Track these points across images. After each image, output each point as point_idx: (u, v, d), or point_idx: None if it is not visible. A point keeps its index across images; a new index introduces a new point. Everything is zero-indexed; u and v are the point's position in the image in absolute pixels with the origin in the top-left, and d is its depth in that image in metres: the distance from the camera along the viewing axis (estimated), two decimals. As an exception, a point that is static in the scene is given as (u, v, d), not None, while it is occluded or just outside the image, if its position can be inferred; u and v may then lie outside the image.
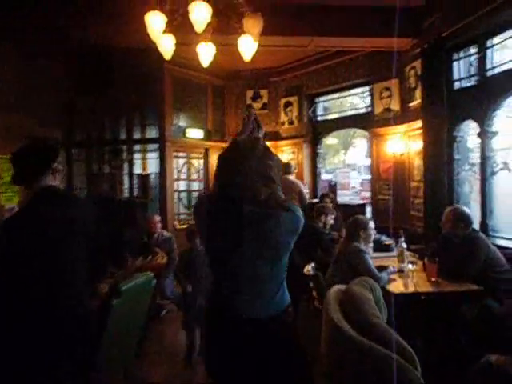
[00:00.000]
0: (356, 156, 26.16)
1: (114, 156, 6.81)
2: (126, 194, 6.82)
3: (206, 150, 7.43)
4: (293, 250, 3.70)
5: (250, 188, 1.41)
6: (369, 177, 7.54)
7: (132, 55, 6.08)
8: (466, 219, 3.19)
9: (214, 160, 7.57)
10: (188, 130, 7.01)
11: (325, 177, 9.07)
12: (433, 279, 3.03)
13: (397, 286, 2.96)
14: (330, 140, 12.00)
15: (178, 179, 6.97)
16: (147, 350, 3.51)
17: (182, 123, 7.01)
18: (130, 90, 6.48)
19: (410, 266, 3.07)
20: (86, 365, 2.24)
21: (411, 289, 2.89)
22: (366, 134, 6.76)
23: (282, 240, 1.44)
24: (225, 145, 7.69)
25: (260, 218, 1.40)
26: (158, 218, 4.80)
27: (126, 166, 6.80)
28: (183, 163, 7.13)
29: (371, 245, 3.52)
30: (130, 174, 6.78)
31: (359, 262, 3.07)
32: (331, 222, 4.35)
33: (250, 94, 7.71)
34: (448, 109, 4.62)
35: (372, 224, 3.30)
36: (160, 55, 5.52)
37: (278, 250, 1.43)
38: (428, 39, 4.85)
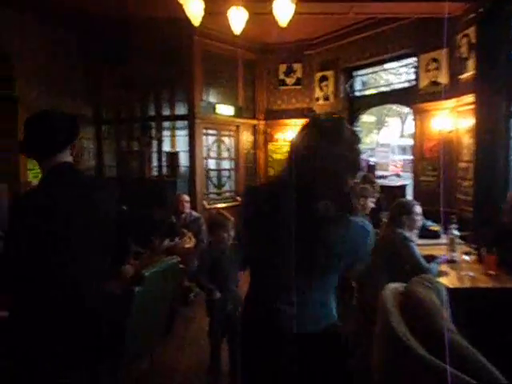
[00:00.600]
0: (390, 135, 25.22)
1: (143, 133, 6.64)
2: (154, 172, 6.68)
3: (237, 128, 7.16)
4: None
5: (333, 181, 1.16)
6: (408, 157, 7.07)
7: (160, 27, 5.82)
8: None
9: (244, 138, 7.30)
10: (218, 107, 6.74)
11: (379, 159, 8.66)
12: (491, 272, 2.68)
13: (450, 280, 2.63)
14: (366, 117, 11.44)
15: (208, 157, 6.75)
16: (174, 334, 3.36)
17: (212, 99, 6.74)
18: (158, 65, 6.23)
19: (465, 257, 2.73)
20: (112, 352, 2.10)
21: (468, 283, 2.56)
22: (401, 111, 6.28)
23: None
24: (256, 122, 7.39)
25: (335, 221, 1.16)
26: (186, 197, 4.60)
27: (155, 143, 6.63)
28: (213, 141, 6.89)
29: (416, 231, 3.18)
30: (159, 152, 6.60)
31: (404, 251, 2.75)
32: (371, 205, 4.01)
33: (282, 68, 7.32)
34: (505, 81, 4.13)
35: (418, 208, 2.94)
36: (189, 27, 5.23)
37: (340, 260, 1.20)
38: (484, 2, 4.33)
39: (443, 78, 5.22)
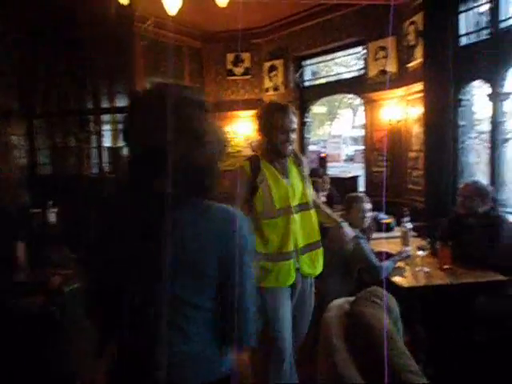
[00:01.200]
0: (342, 127, 25.60)
1: (80, 128, 6.12)
2: (95, 169, 6.18)
3: (184, 120, 6.78)
4: None
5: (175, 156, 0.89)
6: (360, 147, 7.02)
7: (96, 12, 5.33)
8: (485, 194, 2.71)
9: (192, 131, 6.93)
10: (162, 98, 6.33)
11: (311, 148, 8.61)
12: (446, 266, 2.56)
13: (405, 278, 2.48)
14: (318, 108, 11.38)
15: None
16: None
17: (156, 90, 6.31)
18: (96, 52, 5.73)
19: (419, 252, 2.59)
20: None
21: (423, 280, 2.42)
22: (353, 103, 6.18)
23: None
24: (204, 114, 7.03)
25: (177, 204, 0.92)
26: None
27: (94, 138, 6.13)
28: (158, 135, 6.48)
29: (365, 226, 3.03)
30: (99, 148, 6.11)
31: (355, 251, 2.58)
32: (322, 199, 3.83)
33: (230, 57, 7.01)
34: (453, 68, 4.07)
35: (367, 204, 2.78)
36: (129, 12, 4.81)
37: (206, 265, 0.95)
38: (430, -12, 4.25)
39: (392, 67, 5.14)
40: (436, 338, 2.79)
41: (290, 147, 2.11)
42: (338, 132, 24.86)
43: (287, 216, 2.09)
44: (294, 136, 2.13)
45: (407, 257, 2.77)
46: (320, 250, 2.23)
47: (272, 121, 2.08)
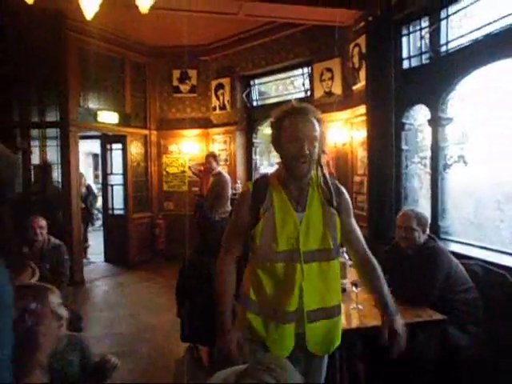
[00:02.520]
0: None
1: (6, 142, 5.55)
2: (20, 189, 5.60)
3: (124, 138, 6.36)
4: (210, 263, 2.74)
5: None
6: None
7: (25, 17, 4.90)
8: (425, 224, 2.52)
9: (133, 149, 6.52)
10: (100, 113, 5.90)
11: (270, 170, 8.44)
12: (382, 304, 2.31)
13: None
14: (267, 129, 11.24)
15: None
16: None
17: (93, 105, 5.89)
18: (25, 61, 5.25)
19: (354, 288, 2.33)
20: None
21: (356, 322, 2.15)
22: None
23: None
24: (147, 132, 6.67)
25: None
26: (41, 221, 3.73)
27: (20, 154, 5.57)
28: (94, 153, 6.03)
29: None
30: (26, 165, 5.56)
31: None
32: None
33: (176, 74, 6.74)
34: (396, 92, 3.98)
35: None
36: (59, 18, 4.42)
37: None
38: (373, 11, 4.18)
39: (337, 89, 5.03)
40: (375, 374, 2.54)
41: (306, 165, 1.52)
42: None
43: (292, 263, 1.55)
44: (313, 148, 1.52)
45: (343, 291, 2.50)
46: (339, 319, 1.65)
47: (281, 127, 1.55)
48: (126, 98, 6.37)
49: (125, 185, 6.41)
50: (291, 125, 1.52)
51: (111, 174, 6.55)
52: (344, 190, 1.68)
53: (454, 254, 2.78)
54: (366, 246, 1.73)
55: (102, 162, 6.73)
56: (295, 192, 1.60)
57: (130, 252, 6.39)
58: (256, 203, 1.58)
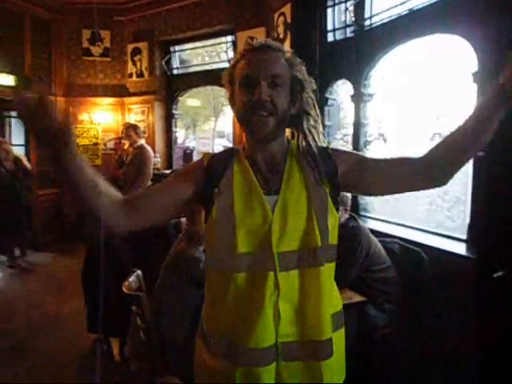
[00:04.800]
0: (226, 123, 25.47)
1: None
2: None
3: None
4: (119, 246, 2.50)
5: None
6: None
7: None
8: (346, 202, 2.44)
9: (36, 118, 5.78)
10: (-9, 74, 5.11)
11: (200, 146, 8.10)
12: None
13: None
14: (192, 101, 10.87)
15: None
16: None
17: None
18: None
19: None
20: None
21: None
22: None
23: None
24: (53, 98, 5.93)
25: None
26: None
27: None
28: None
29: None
30: None
31: (201, 278, 2.09)
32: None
33: (87, 34, 6.04)
34: (320, 65, 3.86)
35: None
36: None
37: None
38: (299, -21, 3.98)
39: (261, 60, 4.81)
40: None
41: (268, 119, 1.04)
42: (224, 129, 24.66)
43: (261, 272, 1.04)
44: (278, 93, 1.04)
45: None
46: (332, 362, 1.08)
47: (234, 74, 1.09)
48: (25, 59, 5.58)
49: (27, 157, 5.69)
50: (243, 64, 1.06)
51: (10, 144, 5.76)
52: (336, 148, 1.16)
53: (373, 231, 2.77)
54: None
55: (-2, 130, 5.91)
56: (264, 166, 1.09)
57: (34, 232, 5.75)
58: (209, 182, 1.09)
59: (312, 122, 1.11)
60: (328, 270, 1.08)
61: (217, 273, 1.10)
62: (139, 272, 2.32)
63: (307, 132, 1.10)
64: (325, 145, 1.13)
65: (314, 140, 1.11)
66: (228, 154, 1.16)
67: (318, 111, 1.13)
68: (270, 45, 1.08)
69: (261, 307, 1.02)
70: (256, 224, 1.04)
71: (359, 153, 1.21)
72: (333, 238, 1.08)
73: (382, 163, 1.14)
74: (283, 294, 1.02)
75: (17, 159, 5.06)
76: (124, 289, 2.10)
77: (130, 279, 2.19)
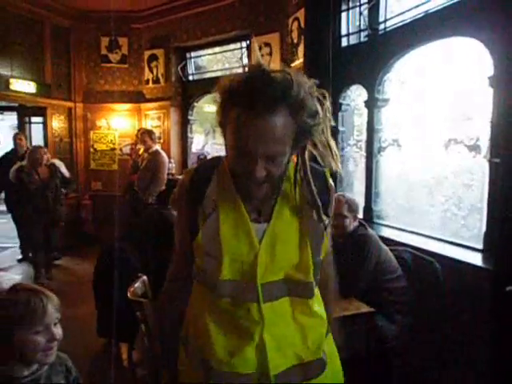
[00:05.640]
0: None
1: None
2: None
3: (44, 110, 5.74)
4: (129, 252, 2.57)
5: None
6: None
7: None
8: (356, 210, 2.39)
9: (55, 123, 5.92)
10: (13, 81, 5.24)
11: (214, 152, 8.14)
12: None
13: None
14: (210, 107, 10.93)
15: None
16: None
17: (4, 71, 5.21)
18: None
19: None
20: None
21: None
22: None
23: None
24: (72, 104, 6.07)
25: None
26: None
27: None
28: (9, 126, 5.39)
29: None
30: None
31: None
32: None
33: (105, 42, 6.15)
34: (333, 70, 3.81)
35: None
36: None
37: None
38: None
39: (275, 65, 4.77)
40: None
41: (263, 186, 0.95)
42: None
43: (245, 302, 0.99)
44: (276, 167, 0.92)
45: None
46: (327, 377, 1.06)
47: (225, 116, 0.93)
48: (45, 66, 5.72)
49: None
50: (235, 129, 0.89)
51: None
52: (333, 187, 1.09)
53: (385, 239, 2.70)
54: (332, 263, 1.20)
55: (19, 136, 6.03)
56: (254, 189, 0.96)
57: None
58: (193, 202, 1.01)
59: (320, 148, 0.99)
60: (317, 297, 1.06)
61: (201, 290, 1.05)
62: (145, 278, 2.32)
63: (307, 162, 1.00)
64: (335, 164, 1.00)
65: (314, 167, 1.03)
66: (210, 166, 1.06)
67: (330, 134, 0.98)
68: (274, 95, 0.85)
69: (243, 336, 0.98)
70: (241, 253, 0.98)
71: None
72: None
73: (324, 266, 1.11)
74: (269, 325, 0.98)
75: (52, 165, 4.52)
76: (129, 294, 2.10)
77: (136, 285, 2.19)
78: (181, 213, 1.09)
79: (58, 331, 1.23)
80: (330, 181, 1.07)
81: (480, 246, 2.38)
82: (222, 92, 0.92)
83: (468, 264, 2.27)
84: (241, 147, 0.89)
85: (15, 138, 5.05)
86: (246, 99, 0.86)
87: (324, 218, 1.01)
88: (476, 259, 2.32)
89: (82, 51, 6.14)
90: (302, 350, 1.01)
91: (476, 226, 2.53)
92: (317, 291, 1.06)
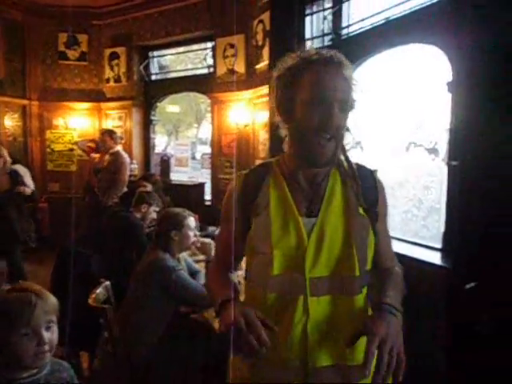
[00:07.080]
0: (209, 130, 25.37)
1: None
2: None
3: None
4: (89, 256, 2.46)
5: None
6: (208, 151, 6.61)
7: None
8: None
9: (7, 121, 5.62)
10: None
11: (177, 153, 8.02)
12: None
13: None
14: (172, 107, 10.80)
15: None
16: None
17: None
18: None
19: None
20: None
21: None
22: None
23: None
24: (27, 102, 5.80)
25: None
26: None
27: None
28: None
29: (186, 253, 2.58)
30: None
31: (175, 288, 2.06)
32: (153, 215, 3.20)
33: (63, 38, 5.91)
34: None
35: (192, 221, 2.28)
36: None
37: None
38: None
39: (240, 67, 4.79)
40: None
41: (332, 144, 1.00)
42: (205, 135, 24.55)
43: (291, 296, 1.03)
44: (344, 120, 1.01)
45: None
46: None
47: (296, 83, 1.02)
48: (-3, 61, 5.42)
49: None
50: (316, 79, 0.99)
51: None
52: (383, 185, 1.15)
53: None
54: (395, 261, 1.24)
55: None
56: (305, 186, 1.06)
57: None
58: (246, 203, 1.08)
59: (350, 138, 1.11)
60: (363, 296, 1.09)
61: (251, 288, 1.11)
62: (107, 283, 2.23)
63: (346, 148, 1.09)
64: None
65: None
66: (263, 170, 1.13)
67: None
68: (340, 60, 1.03)
69: (289, 330, 1.01)
70: (291, 247, 1.03)
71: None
72: (369, 264, 1.08)
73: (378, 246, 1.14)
74: (313, 319, 1.02)
75: (13, 172, 3.70)
76: (90, 301, 2.01)
77: (98, 291, 2.10)
78: (230, 214, 1.10)
79: (49, 335, 1.14)
80: (380, 180, 1.14)
81: (439, 246, 2.47)
82: (287, 68, 1.04)
83: (428, 263, 2.35)
84: (319, 96, 0.98)
85: None
86: (322, 60, 1.01)
87: (365, 216, 1.07)
88: (435, 258, 2.40)
89: (38, 47, 5.86)
90: (343, 352, 1.03)
91: (435, 227, 2.62)
92: (362, 302, 1.09)
